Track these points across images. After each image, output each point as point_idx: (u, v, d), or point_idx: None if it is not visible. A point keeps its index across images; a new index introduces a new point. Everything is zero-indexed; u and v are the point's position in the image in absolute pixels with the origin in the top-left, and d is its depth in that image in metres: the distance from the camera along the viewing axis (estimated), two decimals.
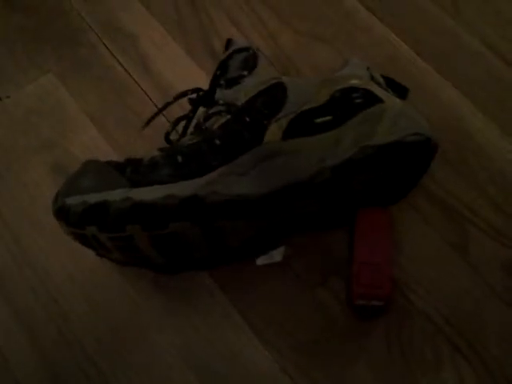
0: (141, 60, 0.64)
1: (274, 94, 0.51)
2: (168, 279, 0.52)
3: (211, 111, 0.51)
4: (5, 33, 0.66)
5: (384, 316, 0.50)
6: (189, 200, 0.44)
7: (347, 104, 0.49)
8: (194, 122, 0.53)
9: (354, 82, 0.51)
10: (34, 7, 0.68)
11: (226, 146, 0.48)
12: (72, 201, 0.45)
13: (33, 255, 0.54)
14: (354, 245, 0.50)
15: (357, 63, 0.55)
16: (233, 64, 0.54)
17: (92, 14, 0.67)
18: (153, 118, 0.53)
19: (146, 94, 0.62)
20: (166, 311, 0.52)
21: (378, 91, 0.50)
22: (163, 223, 0.45)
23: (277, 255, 0.52)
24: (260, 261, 0.52)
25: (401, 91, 0.55)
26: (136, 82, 0.63)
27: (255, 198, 0.46)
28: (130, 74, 0.63)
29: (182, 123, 0.54)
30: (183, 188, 0.45)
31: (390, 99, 0.50)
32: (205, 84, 0.55)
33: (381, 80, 0.54)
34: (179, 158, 0.47)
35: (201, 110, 0.54)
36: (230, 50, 0.55)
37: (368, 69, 0.54)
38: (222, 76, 0.54)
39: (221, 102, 0.51)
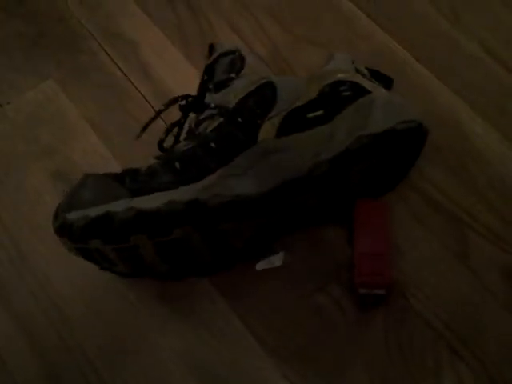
0: (141, 66, 0.64)
1: (264, 93, 0.51)
2: (169, 285, 0.52)
3: (203, 116, 0.51)
4: (5, 39, 0.67)
5: (383, 321, 0.50)
6: (191, 205, 0.44)
7: (336, 97, 0.50)
8: (186, 128, 0.53)
9: (341, 75, 0.52)
10: (34, 14, 0.68)
11: (221, 148, 0.48)
12: (73, 216, 0.44)
13: (33, 261, 0.54)
14: (354, 236, 0.51)
15: (342, 57, 0.55)
16: (219, 68, 0.54)
17: (92, 20, 0.67)
18: (147, 125, 0.53)
19: (146, 99, 0.62)
20: (166, 317, 0.52)
21: (365, 83, 0.51)
22: (167, 230, 0.45)
23: (276, 260, 0.53)
24: (260, 266, 0.52)
25: (386, 81, 0.56)
26: (136, 87, 0.63)
27: (256, 197, 0.46)
28: (130, 79, 0.63)
29: (176, 130, 0.54)
30: (184, 193, 0.45)
31: (377, 89, 0.51)
32: None
33: (365, 72, 0.55)
34: (177, 165, 0.47)
35: (192, 115, 0.54)
36: (216, 54, 0.55)
37: (353, 62, 0.55)
38: (210, 81, 0.54)
39: (212, 105, 0.51)
